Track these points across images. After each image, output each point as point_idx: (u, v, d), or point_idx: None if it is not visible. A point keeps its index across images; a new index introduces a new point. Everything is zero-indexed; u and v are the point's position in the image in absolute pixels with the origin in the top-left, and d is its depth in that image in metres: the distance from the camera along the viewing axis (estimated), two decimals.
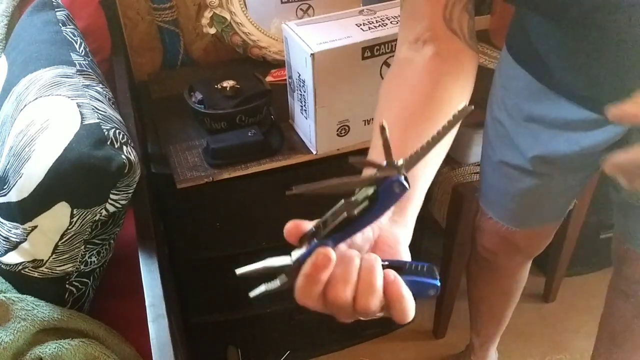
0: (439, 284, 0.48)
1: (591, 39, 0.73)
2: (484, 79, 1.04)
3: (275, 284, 0.48)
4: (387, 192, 0.45)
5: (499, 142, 0.99)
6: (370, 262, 0.46)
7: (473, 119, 0.84)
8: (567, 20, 0.73)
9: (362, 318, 0.47)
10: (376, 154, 0.55)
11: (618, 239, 1.06)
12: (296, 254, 0.47)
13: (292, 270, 0.47)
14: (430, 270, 0.48)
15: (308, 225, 0.47)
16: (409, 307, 0.45)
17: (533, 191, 0.99)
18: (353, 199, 0.46)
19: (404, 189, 0.45)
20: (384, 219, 0.51)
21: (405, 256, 0.50)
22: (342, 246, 0.48)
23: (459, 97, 0.63)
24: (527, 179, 0.97)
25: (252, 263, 0.48)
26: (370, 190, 0.45)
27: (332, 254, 0.45)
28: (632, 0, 0.62)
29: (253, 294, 0.48)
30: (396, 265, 0.47)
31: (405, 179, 0.45)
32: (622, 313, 1.14)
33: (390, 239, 0.51)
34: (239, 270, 0.48)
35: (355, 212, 0.46)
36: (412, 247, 0.52)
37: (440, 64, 0.64)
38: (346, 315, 0.47)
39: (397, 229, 0.52)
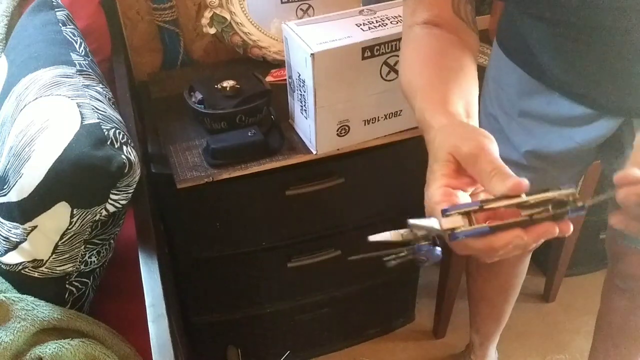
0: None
1: (584, 39, 0.74)
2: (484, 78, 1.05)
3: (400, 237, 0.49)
4: None
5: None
6: None
7: None
8: (558, 23, 0.74)
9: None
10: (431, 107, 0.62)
11: (612, 235, 1.06)
12: (447, 223, 0.49)
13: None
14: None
15: (461, 202, 0.52)
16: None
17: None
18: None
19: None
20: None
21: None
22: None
23: (474, 67, 0.71)
24: (523, 173, 0.98)
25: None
26: None
27: None
28: (620, 4, 0.63)
29: (373, 238, 0.48)
30: None
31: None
32: (618, 308, 1.14)
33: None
34: (373, 237, 0.49)
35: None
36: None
37: (456, 39, 0.73)
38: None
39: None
